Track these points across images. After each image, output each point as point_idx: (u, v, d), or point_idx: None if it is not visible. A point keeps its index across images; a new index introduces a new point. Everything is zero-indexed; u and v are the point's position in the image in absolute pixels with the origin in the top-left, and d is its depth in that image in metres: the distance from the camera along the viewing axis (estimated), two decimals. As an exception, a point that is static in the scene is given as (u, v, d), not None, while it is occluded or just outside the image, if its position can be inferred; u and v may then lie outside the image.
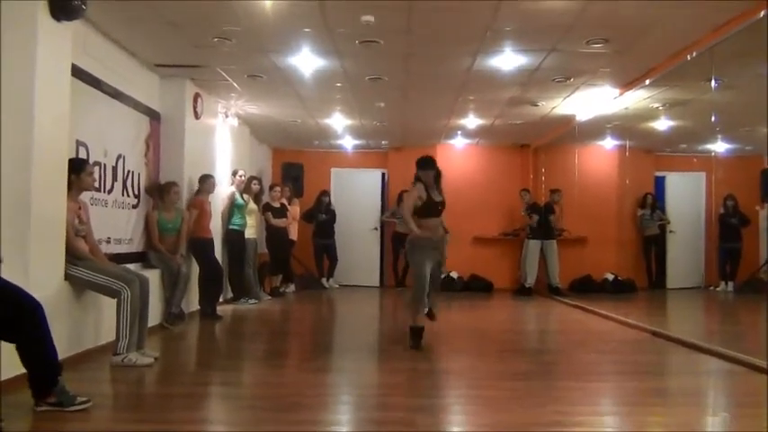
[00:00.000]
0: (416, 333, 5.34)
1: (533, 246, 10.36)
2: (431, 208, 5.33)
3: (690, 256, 11.35)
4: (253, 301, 8.43)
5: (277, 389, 4.13)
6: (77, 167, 4.59)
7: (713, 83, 6.24)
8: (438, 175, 5.40)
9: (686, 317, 8.96)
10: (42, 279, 4.05)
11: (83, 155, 5.17)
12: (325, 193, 11.07)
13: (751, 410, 3.74)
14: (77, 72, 4.95)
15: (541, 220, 10.38)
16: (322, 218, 10.85)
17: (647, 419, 3.51)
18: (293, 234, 10.06)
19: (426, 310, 5.45)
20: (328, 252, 11.03)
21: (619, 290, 10.42)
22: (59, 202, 4.35)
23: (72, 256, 4.47)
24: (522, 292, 10.40)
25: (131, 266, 5.57)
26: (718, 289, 10.67)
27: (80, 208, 4.70)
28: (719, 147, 10.10)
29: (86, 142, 5.25)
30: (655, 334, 6.20)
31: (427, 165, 5.38)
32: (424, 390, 4.21)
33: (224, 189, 8.32)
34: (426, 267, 5.31)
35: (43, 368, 3.32)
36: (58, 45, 4.33)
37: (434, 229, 5.34)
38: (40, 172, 4.07)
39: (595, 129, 9.48)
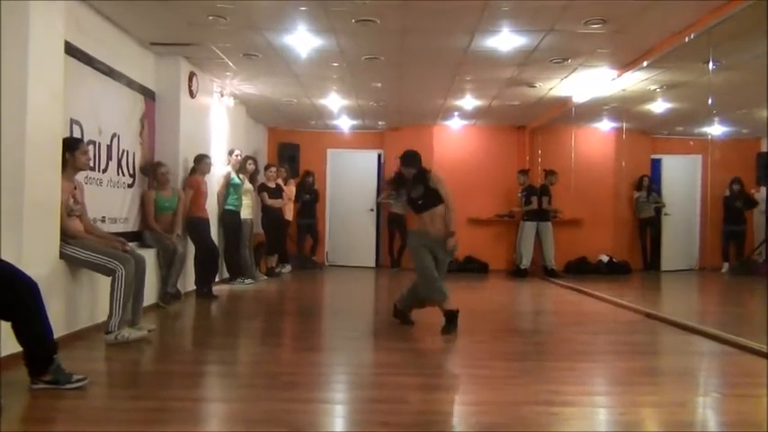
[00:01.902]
0: (450, 317, 5.14)
1: (529, 227, 10.38)
2: (413, 205, 5.30)
3: (685, 238, 11.39)
4: (249, 281, 8.45)
5: (273, 367, 4.16)
6: (71, 146, 4.57)
7: (711, 64, 6.21)
8: (421, 173, 5.21)
9: (680, 298, 9.02)
10: (37, 258, 4.06)
11: (77, 133, 5.14)
12: (309, 173, 11.02)
13: (742, 391, 3.79)
14: (71, 50, 4.91)
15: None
16: (306, 198, 10.83)
17: (638, 399, 3.55)
18: (289, 214, 10.05)
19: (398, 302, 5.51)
20: (311, 232, 11.03)
21: (613, 271, 10.49)
22: (54, 181, 4.33)
23: (66, 236, 4.47)
24: (517, 273, 10.44)
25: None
26: (722, 271, 10.69)
27: (75, 188, 4.69)
28: (716, 129, 10.09)
29: (81, 121, 5.23)
30: (648, 315, 6.25)
31: (408, 162, 5.23)
32: (419, 369, 4.25)
33: (220, 169, 8.30)
34: (426, 253, 5.17)
35: (39, 346, 3.33)
36: (51, 22, 4.29)
37: (429, 223, 5.21)
38: (33, 151, 4.05)
39: (592, 110, 9.47)
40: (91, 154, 5.23)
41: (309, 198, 10.90)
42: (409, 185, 5.27)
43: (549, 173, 10.50)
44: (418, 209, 5.27)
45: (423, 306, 5.43)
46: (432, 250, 5.21)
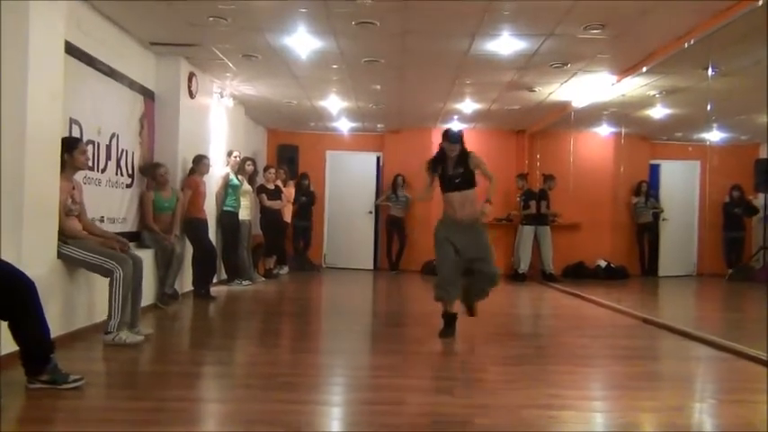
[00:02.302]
0: (448, 321, 5.11)
1: (527, 232, 10.39)
2: (446, 181, 5.05)
3: (683, 244, 11.40)
4: (246, 282, 8.45)
5: (270, 368, 4.15)
6: (70, 146, 4.55)
7: (710, 71, 6.23)
8: (463, 153, 5.02)
9: (677, 304, 9.03)
10: (35, 258, 4.04)
11: (76, 133, 5.14)
12: (304, 175, 10.97)
13: (738, 396, 3.80)
14: (71, 49, 4.91)
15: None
16: (302, 200, 10.81)
17: (635, 403, 3.55)
18: (288, 216, 10.05)
19: (464, 308, 5.30)
20: (304, 234, 11.03)
21: (611, 276, 10.49)
22: (53, 180, 4.32)
23: (64, 236, 4.46)
24: (515, 277, 10.43)
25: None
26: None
27: (74, 188, 4.67)
28: (714, 135, 10.12)
29: (80, 120, 5.22)
30: (646, 320, 6.26)
31: (451, 137, 5.02)
32: (417, 371, 4.24)
33: (219, 170, 8.29)
34: (447, 249, 5.00)
35: (36, 346, 3.32)
36: (52, 22, 4.28)
37: (459, 206, 5.01)
38: (33, 150, 4.05)
39: (591, 115, 9.48)
40: (90, 154, 5.23)
41: (306, 200, 10.89)
42: (449, 163, 5.07)
43: (548, 177, 10.51)
44: (452, 187, 5.05)
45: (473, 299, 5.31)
46: (455, 243, 5.00)
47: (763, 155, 11.17)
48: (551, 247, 10.37)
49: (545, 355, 4.87)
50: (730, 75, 6.92)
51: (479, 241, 5.09)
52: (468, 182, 5.05)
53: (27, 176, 3.99)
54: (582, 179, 10.55)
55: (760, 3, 4.69)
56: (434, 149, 5.24)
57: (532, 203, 10.40)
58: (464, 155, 5.05)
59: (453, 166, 5.05)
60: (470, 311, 5.39)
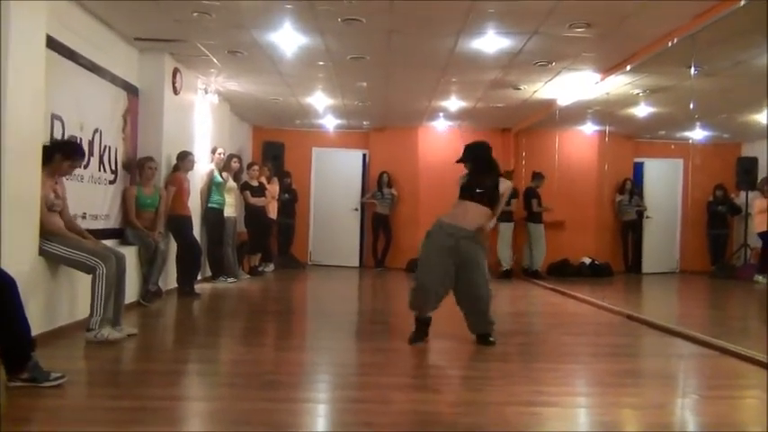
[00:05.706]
0: (419, 325, 4.81)
1: (504, 228, 10.36)
2: (467, 190, 4.76)
3: (665, 241, 11.51)
4: (231, 279, 8.40)
5: (255, 367, 4.14)
6: (67, 152, 4.57)
7: (693, 70, 6.29)
8: (491, 171, 4.80)
9: (660, 301, 9.12)
10: (16, 254, 3.98)
11: (58, 129, 5.07)
12: (285, 173, 10.90)
13: (721, 393, 3.84)
14: (53, 44, 4.83)
15: (526, 204, 10.46)
16: (285, 197, 10.76)
17: (619, 400, 3.58)
18: (273, 213, 10.00)
19: (474, 337, 4.89)
20: (287, 232, 10.95)
21: (595, 274, 10.54)
22: (33, 176, 4.26)
23: (46, 232, 4.41)
24: (501, 275, 10.43)
25: (108, 243, 5.51)
26: None
27: (56, 183, 4.62)
28: (697, 134, 10.21)
29: (62, 116, 5.15)
30: (630, 317, 6.31)
31: (467, 154, 4.83)
32: (402, 369, 4.25)
33: (203, 166, 8.24)
34: (437, 251, 4.64)
35: (16, 344, 3.28)
36: (33, 16, 4.22)
37: (461, 216, 4.68)
38: (13, 146, 3.98)
39: (576, 113, 9.52)
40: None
41: (288, 198, 10.84)
42: (477, 177, 4.81)
43: (536, 175, 10.52)
44: (468, 195, 4.74)
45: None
46: (451, 249, 4.63)
47: (744, 153, 11.30)
48: (545, 245, 10.38)
49: (529, 353, 4.90)
50: (713, 74, 6.99)
51: (473, 259, 4.72)
52: (485, 198, 4.73)
53: (7, 173, 3.92)
54: (567, 177, 10.60)
55: (742, 3, 4.74)
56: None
57: (514, 201, 10.41)
58: (496, 174, 4.85)
59: (481, 180, 4.79)
60: (484, 340, 4.87)
